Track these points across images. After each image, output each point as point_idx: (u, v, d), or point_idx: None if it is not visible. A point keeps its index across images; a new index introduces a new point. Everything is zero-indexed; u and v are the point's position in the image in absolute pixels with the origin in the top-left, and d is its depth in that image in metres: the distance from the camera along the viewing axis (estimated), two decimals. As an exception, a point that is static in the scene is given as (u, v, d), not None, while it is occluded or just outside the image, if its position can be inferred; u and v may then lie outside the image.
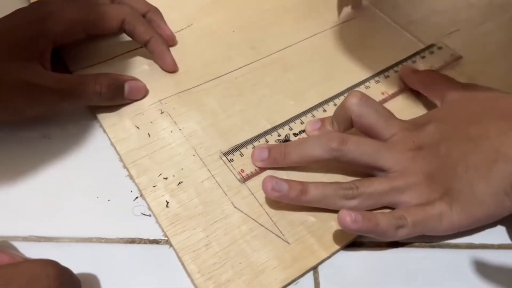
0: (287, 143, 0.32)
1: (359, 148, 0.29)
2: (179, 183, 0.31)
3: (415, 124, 0.31)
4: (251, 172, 0.31)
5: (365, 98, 0.31)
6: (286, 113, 0.35)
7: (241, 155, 0.32)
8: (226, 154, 0.32)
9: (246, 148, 0.33)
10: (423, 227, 0.28)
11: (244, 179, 0.31)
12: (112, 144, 0.33)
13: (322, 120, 0.33)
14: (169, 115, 0.34)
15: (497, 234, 0.29)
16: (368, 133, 0.31)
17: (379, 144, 0.30)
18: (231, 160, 0.32)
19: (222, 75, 0.37)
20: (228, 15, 0.42)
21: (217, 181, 0.31)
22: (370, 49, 0.40)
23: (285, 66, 0.38)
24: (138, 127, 0.34)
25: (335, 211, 0.29)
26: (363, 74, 0.38)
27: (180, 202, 0.30)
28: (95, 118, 0.34)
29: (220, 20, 0.42)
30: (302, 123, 0.34)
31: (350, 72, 0.38)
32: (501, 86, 0.35)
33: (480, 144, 0.28)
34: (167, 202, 0.30)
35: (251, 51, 0.39)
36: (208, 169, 0.31)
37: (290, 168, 0.31)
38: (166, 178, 0.31)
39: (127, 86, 0.34)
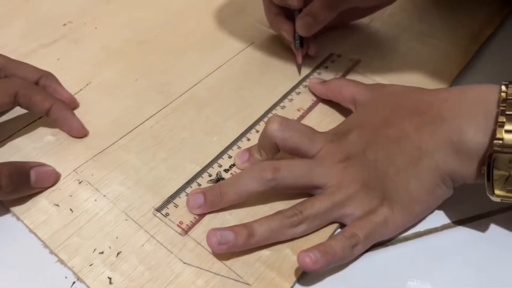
0: (221, 183, 0.31)
1: (292, 172, 0.29)
2: (118, 253, 0.28)
3: (338, 134, 0.31)
4: (191, 221, 0.30)
5: (285, 121, 0.31)
6: (211, 151, 0.34)
7: (176, 206, 0.31)
8: (159, 209, 0.30)
9: (179, 197, 0.31)
10: (374, 237, 0.28)
11: (186, 231, 0.29)
12: (31, 231, 0.29)
13: (249, 150, 0.33)
14: (89, 183, 0.32)
15: (437, 217, 0.31)
16: (296, 154, 0.31)
17: (310, 162, 0.30)
18: (166, 215, 0.30)
19: (136, 128, 0.36)
20: (126, 65, 0.41)
21: (158, 241, 0.29)
22: (276, 69, 0.41)
23: (198, 103, 0.37)
24: (57, 205, 0.30)
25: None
26: (276, 95, 0.38)
27: (124, 274, 0.27)
28: (4, 206, 0.31)
29: (119, 72, 0.40)
30: (230, 157, 0.33)
31: (263, 96, 0.38)
32: (398, 79, 0.37)
33: (402, 145, 0.29)
34: (110, 278, 0.27)
35: (160, 96, 0.38)
36: (146, 230, 0.29)
37: (230, 207, 0.30)
38: (102, 253, 0.28)
39: (33, 174, 0.30)
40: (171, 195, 0.31)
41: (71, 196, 0.31)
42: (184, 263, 0.28)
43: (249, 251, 0.28)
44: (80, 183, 0.32)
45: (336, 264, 0.27)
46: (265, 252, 0.28)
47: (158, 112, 0.37)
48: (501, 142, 0.25)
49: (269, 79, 0.40)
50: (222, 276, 0.27)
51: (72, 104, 0.36)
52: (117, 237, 0.29)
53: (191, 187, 0.32)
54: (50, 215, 0.30)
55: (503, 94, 0.26)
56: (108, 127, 0.36)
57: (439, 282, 0.28)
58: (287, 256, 0.28)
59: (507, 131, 0.25)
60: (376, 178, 0.29)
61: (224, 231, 0.27)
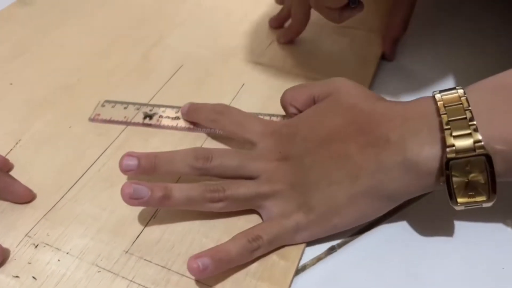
0: (157, 154, 0.30)
1: (223, 163, 0.30)
2: (99, 309, 0.26)
3: (287, 127, 0.32)
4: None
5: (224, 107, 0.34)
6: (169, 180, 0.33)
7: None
8: (131, 251, 0.29)
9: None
10: (278, 241, 0.28)
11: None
12: (-7, 313, 0.26)
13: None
14: (46, 244, 0.29)
15: None
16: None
17: (245, 156, 0.31)
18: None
19: (83, 175, 0.33)
20: (55, 114, 0.38)
21: (139, 284, 0.27)
22: (212, 85, 0.41)
23: (142, 136, 0.36)
24: (17, 276, 0.27)
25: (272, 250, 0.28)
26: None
27: (111, 329, 0.25)
28: (-46, 294, 0.27)
29: (49, 123, 0.37)
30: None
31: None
32: (330, 74, 0.37)
33: (342, 163, 0.28)
34: (97, 338, 0.25)
35: (100, 138, 0.36)
36: (123, 277, 0.27)
37: (205, 228, 0.29)
38: (80, 313, 0.26)
39: None
40: (140, 233, 0.29)
41: (29, 263, 0.28)
42: (173, 299, 0.26)
43: (235, 268, 0.27)
44: (36, 247, 0.29)
45: (231, 267, 0.27)
46: (252, 265, 0.28)
47: (102, 154, 0.35)
48: (453, 148, 0.25)
49: (207, 97, 0.39)
50: (216, 301, 0.26)
51: (5, 167, 0.33)
52: (93, 292, 0.27)
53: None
54: (9, 289, 0.27)
55: (440, 103, 0.27)
56: (52, 181, 0.33)
57: (415, 258, 0.28)
58: (275, 263, 0.28)
59: (456, 137, 0.25)
60: (305, 185, 0.29)
61: (140, 186, 0.28)
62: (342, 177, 0.28)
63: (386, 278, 0.27)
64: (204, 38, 0.46)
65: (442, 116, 0.26)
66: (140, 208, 0.31)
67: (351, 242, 0.29)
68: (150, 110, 0.38)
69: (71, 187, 0.33)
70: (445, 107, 0.26)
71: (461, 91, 0.27)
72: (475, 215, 0.30)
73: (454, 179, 0.26)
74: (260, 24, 0.47)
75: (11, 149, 0.35)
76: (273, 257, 0.28)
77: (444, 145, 0.26)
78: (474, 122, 0.25)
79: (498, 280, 0.27)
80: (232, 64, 0.43)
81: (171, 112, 0.37)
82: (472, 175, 0.25)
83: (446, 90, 0.27)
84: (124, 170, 0.30)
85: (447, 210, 0.29)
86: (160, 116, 0.37)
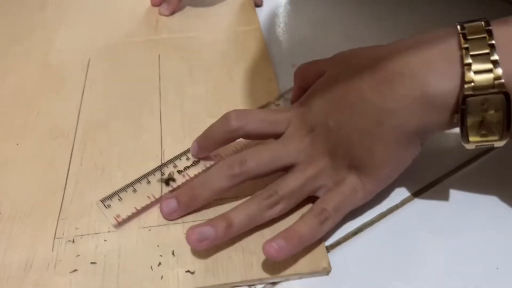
0: (191, 184, 0.30)
1: (259, 161, 0.29)
2: (173, 253, 0.28)
3: (302, 106, 0.31)
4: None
5: (242, 112, 0.30)
6: (151, 150, 0.35)
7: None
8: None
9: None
10: (344, 208, 0.28)
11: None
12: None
13: None
14: (82, 235, 0.29)
15: (395, 193, 0.31)
16: (262, 139, 0.31)
17: (275, 145, 0.30)
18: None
19: (67, 178, 0.33)
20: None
21: (193, 221, 0.30)
22: (130, 70, 0.43)
23: (98, 125, 0.37)
24: (75, 270, 0.27)
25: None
26: (151, 89, 0.41)
27: (194, 263, 0.28)
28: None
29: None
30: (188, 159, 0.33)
31: (145, 93, 0.40)
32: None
33: (363, 108, 0.27)
34: (189, 271, 0.27)
35: (58, 141, 0.36)
36: (175, 223, 0.30)
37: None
38: (159, 264, 0.27)
39: None
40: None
41: (78, 255, 0.28)
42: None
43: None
44: (73, 242, 0.29)
45: (307, 244, 0.27)
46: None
47: (72, 153, 0.35)
48: (472, 85, 0.24)
49: (134, 75, 0.41)
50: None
51: None
52: (158, 245, 0.29)
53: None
54: (76, 283, 0.27)
55: (462, 35, 0.25)
56: (39, 193, 0.32)
57: (410, 259, 0.27)
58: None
59: (476, 72, 0.24)
60: (341, 146, 0.28)
61: (202, 228, 0.27)
62: (368, 125, 0.27)
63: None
64: (96, 31, 0.47)
65: (463, 49, 0.24)
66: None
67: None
68: (162, 175, 0.32)
69: (65, 187, 0.32)
70: (467, 39, 0.24)
71: (484, 22, 0.25)
72: (471, 214, 0.30)
73: (469, 118, 0.24)
74: (141, 4, 0.51)
75: None
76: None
77: (462, 80, 0.24)
78: (496, 58, 0.24)
79: (492, 280, 0.26)
80: (137, 43, 0.45)
81: (184, 162, 0.32)
82: (487, 113, 0.24)
83: (468, 22, 0.25)
84: (168, 214, 0.29)
85: (442, 211, 0.30)
86: (179, 171, 0.32)
